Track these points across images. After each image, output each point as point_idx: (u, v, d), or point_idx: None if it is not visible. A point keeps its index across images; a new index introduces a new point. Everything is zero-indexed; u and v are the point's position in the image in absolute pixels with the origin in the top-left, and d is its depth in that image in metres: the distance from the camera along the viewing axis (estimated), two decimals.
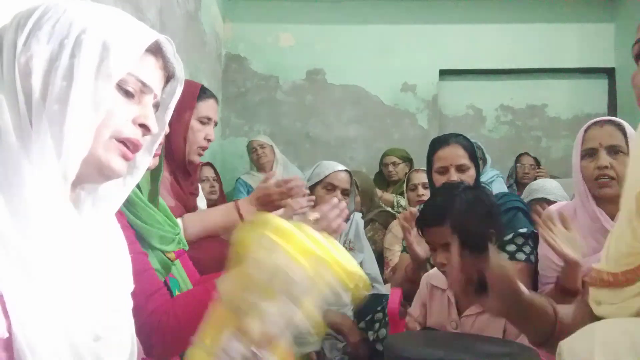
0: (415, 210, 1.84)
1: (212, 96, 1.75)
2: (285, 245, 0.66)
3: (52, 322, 0.62)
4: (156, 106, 0.80)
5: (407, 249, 1.81)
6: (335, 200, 1.20)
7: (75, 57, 0.66)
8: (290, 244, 0.66)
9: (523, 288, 0.93)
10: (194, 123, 1.66)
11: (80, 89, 0.66)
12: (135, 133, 0.74)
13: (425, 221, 1.41)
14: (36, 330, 0.60)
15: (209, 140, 1.70)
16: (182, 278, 1.22)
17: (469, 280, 0.93)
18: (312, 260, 0.66)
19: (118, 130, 0.72)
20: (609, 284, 0.83)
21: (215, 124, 1.76)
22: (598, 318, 0.84)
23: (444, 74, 4.45)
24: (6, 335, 0.59)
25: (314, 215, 1.14)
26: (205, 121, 1.68)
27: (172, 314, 0.98)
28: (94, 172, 0.72)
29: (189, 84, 1.73)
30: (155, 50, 0.76)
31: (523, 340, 1.11)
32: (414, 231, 1.73)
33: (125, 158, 0.74)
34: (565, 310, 0.95)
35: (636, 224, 0.82)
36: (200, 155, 1.70)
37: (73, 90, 0.65)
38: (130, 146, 0.74)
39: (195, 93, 1.67)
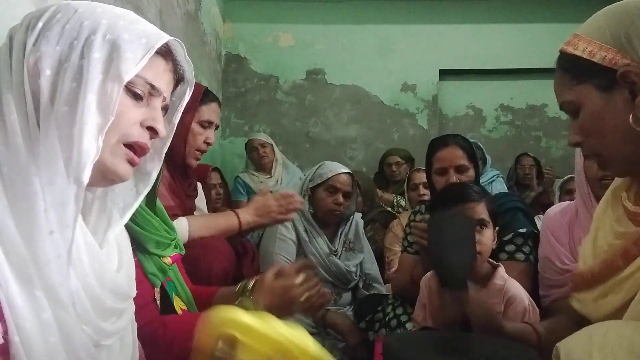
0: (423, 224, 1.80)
1: (215, 99, 1.74)
2: (250, 341, 0.65)
3: (49, 328, 0.61)
4: (165, 109, 0.79)
5: (420, 256, 1.80)
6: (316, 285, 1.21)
7: (85, 58, 0.66)
8: (255, 340, 0.65)
9: (504, 323, 0.97)
10: (194, 126, 1.66)
11: (90, 90, 0.65)
12: (142, 136, 0.73)
13: (459, 198, 1.39)
14: (33, 336, 0.60)
15: (208, 144, 1.70)
16: (179, 281, 1.22)
17: (453, 319, 0.97)
18: (279, 351, 0.65)
19: (125, 134, 0.71)
20: (589, 282, 0.85)
21: (217, 128, 1.76)
22: (578, 327, 0.87)
23: (444, 74, 4.45)
24: (1, 341, 0.58)
25: (300, 277, 1.16)
26: (206, 125, 1.69)
27: (168, 329, 0.98)
28: (98, 176, 0.71)
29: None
30: (165, 52, 0.75)
31: None
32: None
33: (132, 163, 0.73)
34: (547, 326, 0.98)
35: (612, 216, 0.85)
36: (197, 158, 1.71)
37: (82, 92, 0.64)
38: (137, 149, 0.73)
39: (198, 96, 1.66)
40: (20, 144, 0.62)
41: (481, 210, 1.38)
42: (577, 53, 0.83)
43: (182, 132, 1.63)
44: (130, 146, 0.72)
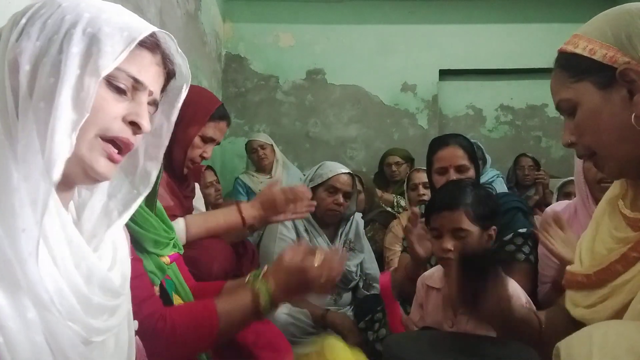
0: (417, 210, 1.84)
1: (225, 118, 1.72)
2: None
3: (34, 327, 0.60)
4: (154, 104, 0.77)
5: (407, 248, 1.81)
6: (337, 249, 1.18)
7: (63, 53, 0.64)
8: None
9: (515, 306, 0.97)
10: (196, 139, 1.64)
11: (66, 85, 0.63)
12: (124, 131, 0.71)
13: (437, 206, 1.41)
14: (17, 335, 0.59)
15: (203, 158, 1.68)
16: (178, 280, 1.22)
17: (466, 295, 0.97)
18: None
19: (105, 128, 0.69)
20: (583, 286, 0.85)
21: (218, 144, 1.74)
22: (574, 320, 0.87)
23: (444, 74, 4.45)
24: None
25: (318, 259, 1.10)
26: (207, 140, 1.67)
27: (169, 321, 0.97)
28: (80, 174, 0.69)
29: (208, 99, 1.71)
30: (152, 45, 0.73)
31: None
32: (416, 231, 1.74)
33: (112, 159, 0.71)
34: (547, 315, 0.99)
35: (610, 224, 0.85)
36: (189, 168, 1.69)
37: (59, 87, 0.63)
38: (121, 145, 0.71)
39: (210, 111, 1.65)
40: (2, 141, 0.62)
41: (457, 219, 1.35)
42: (578, 51, 0.83)
43: (185, 143, 1.62)
44: (111, 141, 0.70)
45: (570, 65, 0.86)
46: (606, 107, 0.81)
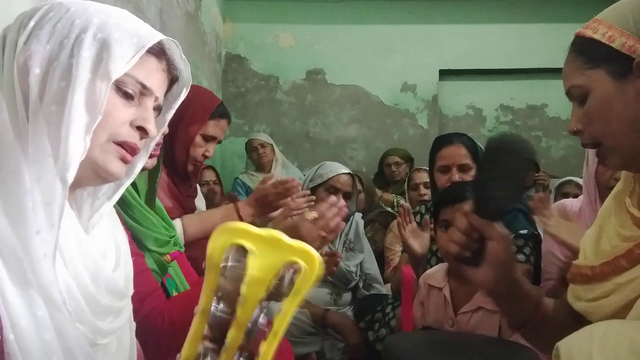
0: (408, 205, 1.86)
1: (225, 116, 1.72)
2: (259, 250, 0.65)
3: (44, 325, 0.61)
4: (158, 109, 0.79)
5: (403, 245, 1.81)
6: (333, 198, 1.15)
7: (74, 57, 0.65)
8: (263, 249, 0.65)
9: (518, 273, 0.93)
10: (197, 138, 1.64)
11: (78, 89, 0.64)
12: (132, 136, 0.72)
13: (451, 198, 1.43)
14: (28, 333, 0.59)
15: (205, 157, 1.69)
16: (179, 278, 1.22)
17: (466, 247, 0.91)
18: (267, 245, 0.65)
19: (114, 132, 0.70)
20: (588, 278, 0.84)
21: (220, 142, 1.75)
22: (577, 314, 0.86)
23: (444, 74, 4.45)
24: None
25: (311, 214, 1.09)
26: (209, 139, 1.68)
27: (167, 316, 0.97)
28: (91, 175, 0.70)
29: (207, 98, 1.72)
30: (159, 52, 0.75)
31: (518, 339, 1.12)
32: (410, 227, 1.74)
33: (124, 161, 0.72)
34: (548, 301, 0.96)
35: (615, 222, 0.84)
36: (193, 165, 1.69)
37: (71, 91, 0.64)
38: (127, 149, 0.72)
39: (210, 110, 1.65)
40: (12, 141, 0.62)
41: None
42: (596, 37, 0.81)
43: (186, 143, 1.62)
44: (120, 145, 0.72)
45: (586, 51, 0.83)
46: (619, 98, 0.79)
